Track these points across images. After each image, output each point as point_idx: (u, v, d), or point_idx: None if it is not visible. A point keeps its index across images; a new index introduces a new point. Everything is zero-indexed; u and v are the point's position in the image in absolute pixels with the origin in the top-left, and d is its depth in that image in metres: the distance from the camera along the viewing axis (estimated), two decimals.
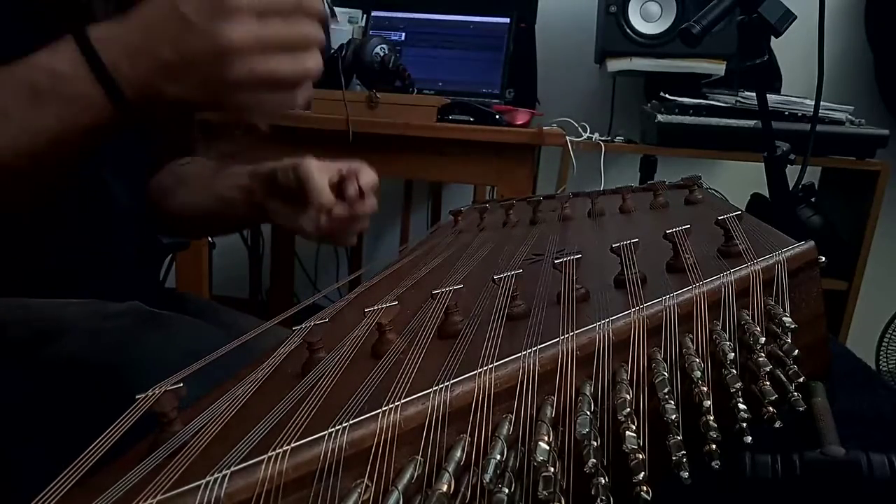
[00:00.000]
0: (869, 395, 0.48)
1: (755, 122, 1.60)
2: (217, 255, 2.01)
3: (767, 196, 1.08)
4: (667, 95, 1.70)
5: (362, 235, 2.23)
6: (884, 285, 1.98)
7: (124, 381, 0.53)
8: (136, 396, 0.31)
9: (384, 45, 1.45)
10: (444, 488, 0.26)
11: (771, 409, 0.34)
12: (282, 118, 1.35)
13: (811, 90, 1.18)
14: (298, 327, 0.38)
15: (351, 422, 0.28)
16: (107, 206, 0.71)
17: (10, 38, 0.57)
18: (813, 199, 1.75)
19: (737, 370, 0.35)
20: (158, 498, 0.25)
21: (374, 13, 1.76)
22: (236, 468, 0.26)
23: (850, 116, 1.66)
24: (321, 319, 0.39)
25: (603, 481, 0.29)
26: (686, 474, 0.30)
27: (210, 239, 1.57)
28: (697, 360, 0.34)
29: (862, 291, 1.73)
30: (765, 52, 1.05)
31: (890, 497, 0.36)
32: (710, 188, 0.89)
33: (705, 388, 0.33)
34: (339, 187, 0.73)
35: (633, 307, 0.35)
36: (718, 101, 1.67)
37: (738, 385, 0.33)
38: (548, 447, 0.28)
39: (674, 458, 0.31)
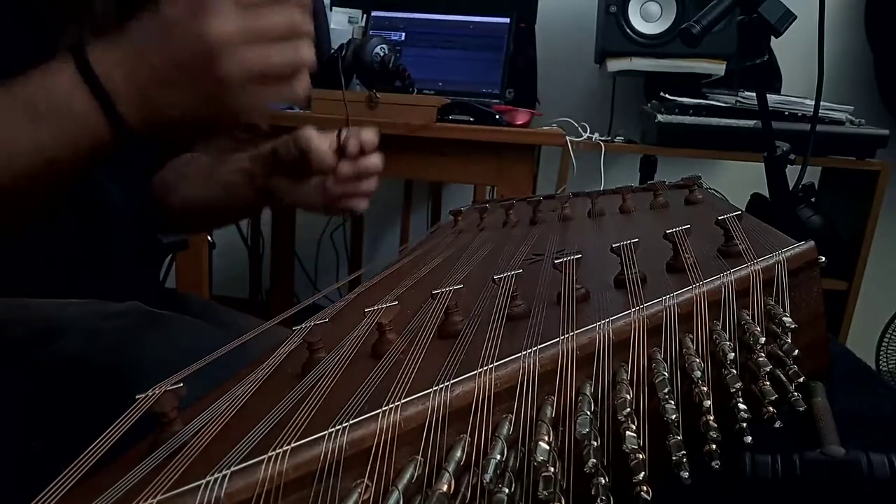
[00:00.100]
0: (869, 395, 0.48)
1: (755, 122, 1.60)
2: (217, 255, 2.01)
3: (767, 196, 1.08)
4: (667, 95, 1.70)
5: (362, 235, 2.23)
6: (884, 285, 1.98)
7: (124, 381, 0.53)
8: (136, 396, 0.31)
9: (384, 45, 1.45)
10: (444, 488, 0.26)
11: (771, 409, 0.34)
12: (283, 119, 1.35)
13: (811, 90, 1.18)
14: (298, 327, 0.38)
15: (351, 422, 0.28)
16: (105, 207, 0.71)
17: (9, 37, 0.57)
18: (813, 199, 1.75)
19: (737, 370, 0.35)
20: (158, 498, 0.25)
21: (374, 13, 1.76)
22: (236, 468, 0.26)
23: (850, 116, 1.66)
24: (321, 319, 0.39)
25: (603, 481, 0.29)
26: (686, 474, 0.30)
27: (210, 239, 1.57)
28: (697, 360, 0.34)
29: (862, 291, 1.73)
30: (765, 52, 1.04)
31: (890, 497, 0.36)
32: (710, 188, 0.89)
33: (705, 388, 0.33)
34: (340, 152, 0.73)
35: (633, 307, 0.35)
36: (718, 101, 1.67)
37: (738, 385, 0.33)
38: (548, 447, 0.28)
39: (674, 458, 0.31)
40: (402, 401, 0.29)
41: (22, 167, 0.49)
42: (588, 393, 0.32)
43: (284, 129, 0.76)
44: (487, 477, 0.27)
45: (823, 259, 0.41)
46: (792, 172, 1.08)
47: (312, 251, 2.27)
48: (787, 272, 0.39)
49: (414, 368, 0.32)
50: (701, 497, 0.34)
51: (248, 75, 0.48)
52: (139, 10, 0.49)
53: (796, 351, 0.36)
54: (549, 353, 0.32)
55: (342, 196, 0.74)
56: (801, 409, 0.35)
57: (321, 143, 0.71)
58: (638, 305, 0.35)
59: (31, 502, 0.25)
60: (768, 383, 0.35)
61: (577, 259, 0.40)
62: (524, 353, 0.32)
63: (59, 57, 0.48)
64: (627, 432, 0.30)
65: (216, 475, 0.25)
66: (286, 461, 0.26)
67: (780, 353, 0.36)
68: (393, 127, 1.36)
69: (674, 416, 0.31)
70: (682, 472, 0.30)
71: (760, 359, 0.35)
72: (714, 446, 0.32)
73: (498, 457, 0.27)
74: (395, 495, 0.25)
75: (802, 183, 1.18)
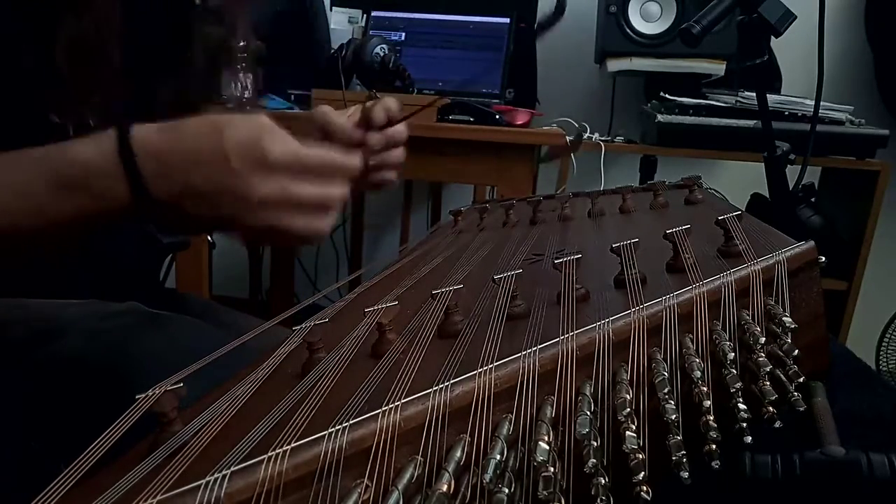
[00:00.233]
0: (869, 395, 0.48)
1: (755, 122, 1.60)
2: (217, 255, 2.01)
3: (767, 196, 1.08)
4: (667, 95, 1.70)
5: (362, 235, 2.23)
6: (884, 285, 1.98)
7: (124, 381, 0.53)
8: (136, 396, 0.31)
9: (384, 45, 1.45)
10: (444, 488, 0.26)
11: (771, 409, 0.34)
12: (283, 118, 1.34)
13: (811, 90, 1.18)
14: (298, 327, 0.38)
15: (351, 422, 0.28)
16: None
17: (5, 29, 0.57)
18: (813, 199, 1.75)
19: (737, 370, 0.35)
20: (158, 498, 0.25)
21: (374, 13, 1.76)
22: (236, 468, 0.26)
23: (850, 116, 1.66)
24: (321, 319, 0.39)
25: (603, 481, 0.29)
26: (686, 474, 0.30)
27: (210, 239, 1.56)
28: (697, 360, 0.34)
29: (862, 291, 1.73)
30: (765, 52, 1.04)
31: (890, 497, 0.36)
32: (710, 188, 0.89)
33: (705, 388, 0.33)
34: (365, 125, 0.71)
35: (633, 307, 0.35)
36: (718, 101, 1.67)
37: (738, 385, 0.33)
38: (548, 447, 0.28)
39: (674, 458, 0.31)
40: (402, 401, 0.29)
41: (42, 225, 0.50)
42: (588, 393, 0.32)
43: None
44: (487, 477, 0.27)
45: (823, 259, 0.41)
46: (792, 172, 1.08)
47: (312, 251, 2.27)
48: (787, 272, 0.39)
49: (414, 368, 0.32)
50: (701, 497, 0.34)
51: (274, 227, 0.50)
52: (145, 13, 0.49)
53: (796, 351, 0.36)
54: (549, 353, 0.32)
55: (374, 169, 0.73)
56: (801, 409, 0.35)
57: (340, 117, 0.70)
58: (638, 305, 0.35)
59: (31, 502, 0.25)
60: (768, 383, 0.35)
61: (577, 259, 0.40)
62: (524, 353, 0.32)
63: (100, 131, 0.49)
64: (627, 432, 0.30)
65: (216, 475, 0.25)
66: (286, 461, 0.26)
67: (780, 353, 0.36)
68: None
69: (674, 416, 0.31)
70: (682, 472, 0.30)
71: (760, 359, 0.35)
72: (714, 446, 0.32)
73: (498, 457, 0.27)
74: (395, 495, 0.25)
75: (802, 183, 1.18)
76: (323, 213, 0.52)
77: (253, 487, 0.25)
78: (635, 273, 0.39)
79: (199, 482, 0.25)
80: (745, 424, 0.33)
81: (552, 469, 0.27)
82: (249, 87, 0.88)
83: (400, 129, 0.73)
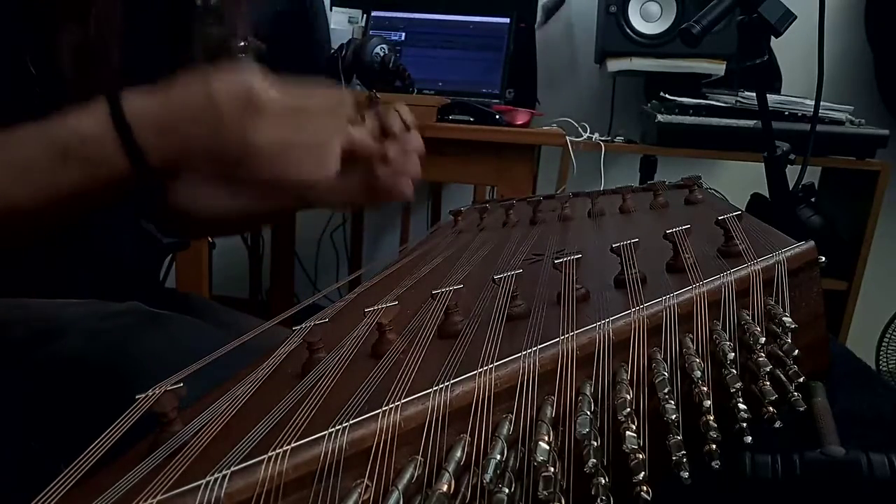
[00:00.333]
0: (869, 395, 0.48)
1: (755, 122, 1.60)
2: (217, 255, 2.01)
3: (767, 196, 1.08)
4: (667, 95, 1.70)
5: (362, 235, 2.23)
6: (884, 285, 1.98)
7: (124, 381, 0.52)
8: (136, 396, 0.31)
9: (384, 45, 1.45)
10: (444, 488, 0.26)
11: (771, 409, 0.34)
12: None
13: (811, 90, 1.18)
14: (298, 327, 0.38)
15: (351, 422, 0.28)
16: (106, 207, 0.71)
17: (8, 36, 0.57)
18: (813, 199, 1.75)
19: (737, 370, 0.35)
20: (158, 498, 0.25)
21: (374, 13, 1.76)
22: (236, 468, 0.26)
23: (850, 116, 1.66)
24: (321, 319, 0.39)
25: (603, 481, 0.29)
26: (686, 474, 0.30)
27: (210, 239, 1.56)
28: (697, 360, 0.34)
29: (862, 291, 1.73)
30: (765, 52, 1.04)
31: (890, 497, 0.36)
32: (710, 188, 0.89)
33: (705, 388, 0.33)
34: (381, 134, 0.69)
35: (633, 307, 0.35)
36: (718, 101, 1.67)
37: (738, 385, 0.33)
38: (548, 447, 0.28)
39: (674, 458, 0.31)
40: (402, 401, 0.29)
41: (44, 199, 0.50)
42: (588, 393, 0.32)
43: None
44: (487, 477, 0.27)
45: (823, 259, 0.41)
46: (792, 172, 1.08)
47: (312, 251, 2.27)
48: (787, 272, 0.39)
49: (414, 368, 0.32)
50: (701, 497, 0.34)
51: (273, 181, 0.50)
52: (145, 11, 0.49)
53: (796, 351, 0.36)
54: (549, 353, 0.32)
55: (391, 181, 0.70)
56: (801, 409, 0.35)
57: (358, 132, 0.69)
58: (638, 305, 0.35)
59: (31, 502, 0.25)
60: (768, 383, 0.35)
61: (577, 259, 0.40)
62: (524, 353, 0.32)
63: (93, 101, 0.49)
64: (627, 432, 0.30)
65: (216, 475, 0.25)
66: (286, 461, 0.26)
67: (780, 353, 0.36)
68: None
69: (674, 416, 0.31)
70: (682, 472, 0.30)
71: (760, 359, 0.35)
72: (714, 446, 0.32)
73: (498, 457, 0.27)
74: (395, 495, 0.25)
75: (802, 183, 1.18)
76: (326, 155, 0.51)
77: (253, 487, 0.25)
78: (635, 273, 0.39)
79: (199, 482, 0.25)
80: (745, 424, 0.33)
81: (552, 469, 0.27)
82: None
83: (418, 137, 0.72)
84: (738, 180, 1.90)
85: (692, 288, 0.37)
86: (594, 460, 0.28)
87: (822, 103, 1.09)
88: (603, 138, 1.77)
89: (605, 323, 0.34)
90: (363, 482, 0.27)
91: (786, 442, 0.37)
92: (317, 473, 0.26)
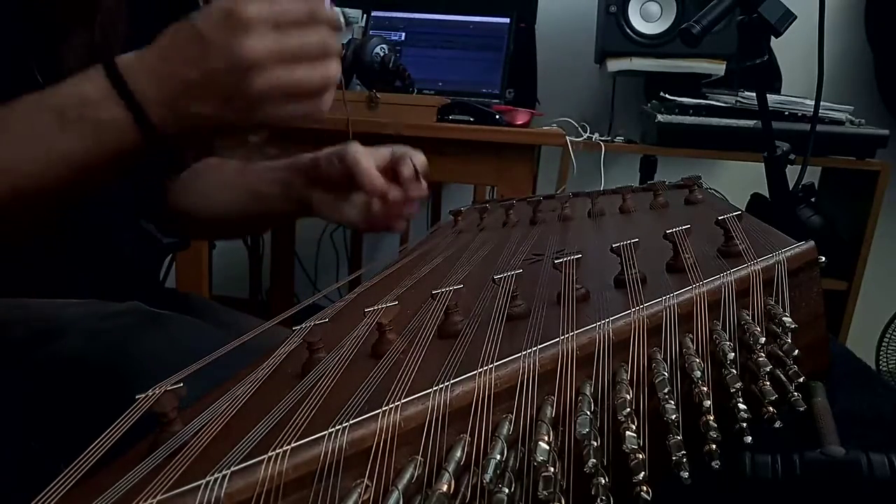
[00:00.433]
0: (869, 395, 0.48)
1: (755, 122, 1.60)
2: (217, 255, 2.01)
3: (767, 196, 1.08)
4: (667, 95, 1.70)
5: (362, 235, 2.23)
6: (884, 285, 1.98)
7: (124, 381, 0.52)
8: (136, 396, 0.31)
9: (384, 45, 1.45)
10: (444, 488, 0.26)
11: (771, 409, 0.34)
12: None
13: (811, 90, 1.18)
14: (298, 327, 0.38)
15: (351, 422, 0.28)
16: (106, 206, 0.71)
17: (16, 40, 0.57)
18: (813, 199, 1.75)
19: (737, 370, 0.35)
20: (158, 498, 0.25)
21: (374, 13, 1.76)
22: (236, 468, 0.26)
23: (850, 116, 1.66)
24: (321, 319, 0.39)
25: (603, 481, 0.29)
26: (686, 474, 0.30)
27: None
28: (697, 360, 0.34)
29: (862, 291, 1.73)
30: (765, 52, 1.04)
31: (890, 497, 0.36)
32: (710, 188, 0.89)
33: (705, 388, 0.33)
34: (388, 173, 0.72)
35: (633, 307, 0.35)
36: (718, 101, 1.67)
37: (738, 385, 0.33)
38: (548, 447, 0.28)
39: (674, 458, 0.31)
40: (402, 401, 0.29)
41: (51, 171, 0.50)
42: (588, 393, 0.32)
43: (284, 129, 0.75)
44: (487, 477, 0.27)
45: (823, 259, 0.41)
46: (792, 172, 1.08)
47: (312, 251, 2.27)
48: (787, 272, 0.39)
49: (414, 368, 0.32)
50: (701, 497, 0.34)
51: (277, 92, 0.49)
52: (150, 10, 0.49)
53: (796, 351, 0.36)
54: (549, 353, 0.32)
55: (385, 217, 0.73)
56: (801, 409, 0.35)
57: (369, 162, 0.69)
58: (638, 305, 0.35)
59: (31, 502, 0.25)
60: (768, 383, 0.35)
61: (577, 259, 0.40)
62: (524, 353, 0.32)
63: (90, 66, 0.49)
64: (627, 432, 0.30)
65: (216, 475, 0.25)
66: (286, 461, 0.26)
67: (780, 353, 0.36)
68: (393, 127, 1.36)
69: (674, 416, 0.31)
70: (682, 472, 0.30)
71: (760, 359, 0.35)
72: (714, 446, 0.32)
73: (498, 457, 0.27)
74: (395, 495, 0.25)
75: (802, 183, 1.18)
76: (324, 59, 0.51)
77: (253, 487, 0.25)
78: (635, 273, 0.39)
79: (199, 482, 0.25)
80: (745, 424, 0.33)
81: (552, 469, 0.27)
82: None
83: (423, 187, 0.73)
84: (738, 180, 1.90)
85: (692, 288, 0.37)
86: (594, 460, 0.28)
87: (822, 103, 1.09)
88: (603, 138, 1.77)
89: (605, 323, 0.34)
90: (363, 482, 0.27)
91: (786, 442, 0.37)
92: (317, 473, 0.26)
